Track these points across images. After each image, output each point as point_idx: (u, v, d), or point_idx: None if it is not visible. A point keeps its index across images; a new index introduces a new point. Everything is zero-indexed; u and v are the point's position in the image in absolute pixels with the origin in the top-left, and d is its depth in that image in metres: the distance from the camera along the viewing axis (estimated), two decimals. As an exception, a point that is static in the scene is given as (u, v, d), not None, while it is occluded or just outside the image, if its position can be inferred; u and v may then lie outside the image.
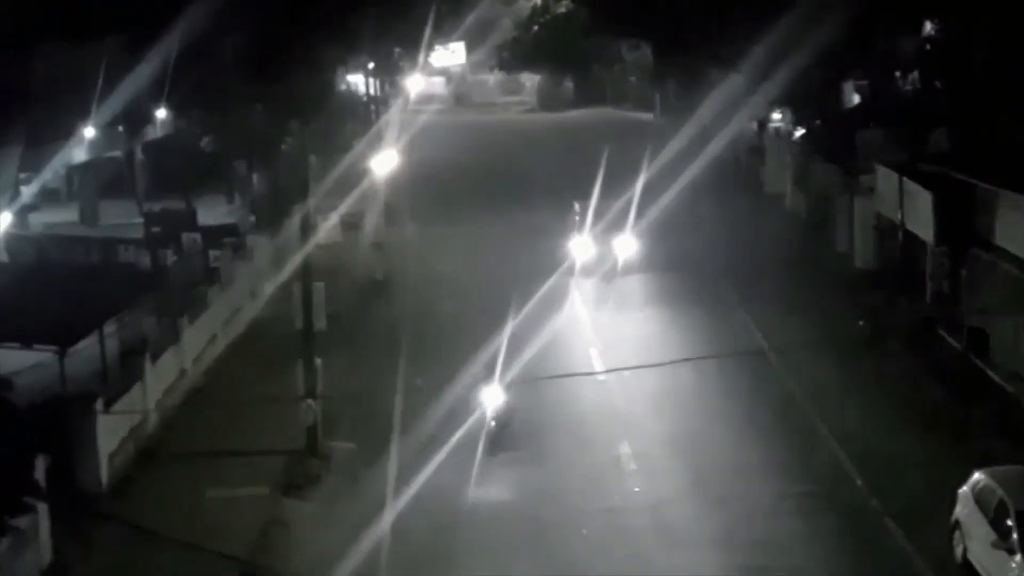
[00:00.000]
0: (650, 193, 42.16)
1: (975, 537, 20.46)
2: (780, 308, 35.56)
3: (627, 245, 40.61)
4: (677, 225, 42.45)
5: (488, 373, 27.31)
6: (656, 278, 40.16)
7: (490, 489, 24.95)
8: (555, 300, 36.76)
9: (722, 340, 33.10)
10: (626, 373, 29.56)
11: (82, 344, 27.71)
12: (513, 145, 73.20)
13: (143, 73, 45.97)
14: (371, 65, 78.84)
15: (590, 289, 39.30)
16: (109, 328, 29.59)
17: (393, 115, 70.05)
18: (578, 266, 40.44)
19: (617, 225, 40.72)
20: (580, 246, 41.07)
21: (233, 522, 23.71)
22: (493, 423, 26.79)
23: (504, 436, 26.86)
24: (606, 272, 40.18)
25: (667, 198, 42.68)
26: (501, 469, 25.85)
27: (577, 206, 42.97)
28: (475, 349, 29.60)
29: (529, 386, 28.08)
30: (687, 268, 40.48)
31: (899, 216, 35.65)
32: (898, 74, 43.77)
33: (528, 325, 32.32)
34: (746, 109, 52.10)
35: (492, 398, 26.89)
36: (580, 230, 41.55)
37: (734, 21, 46.41)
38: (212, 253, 39.57)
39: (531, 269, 40.14)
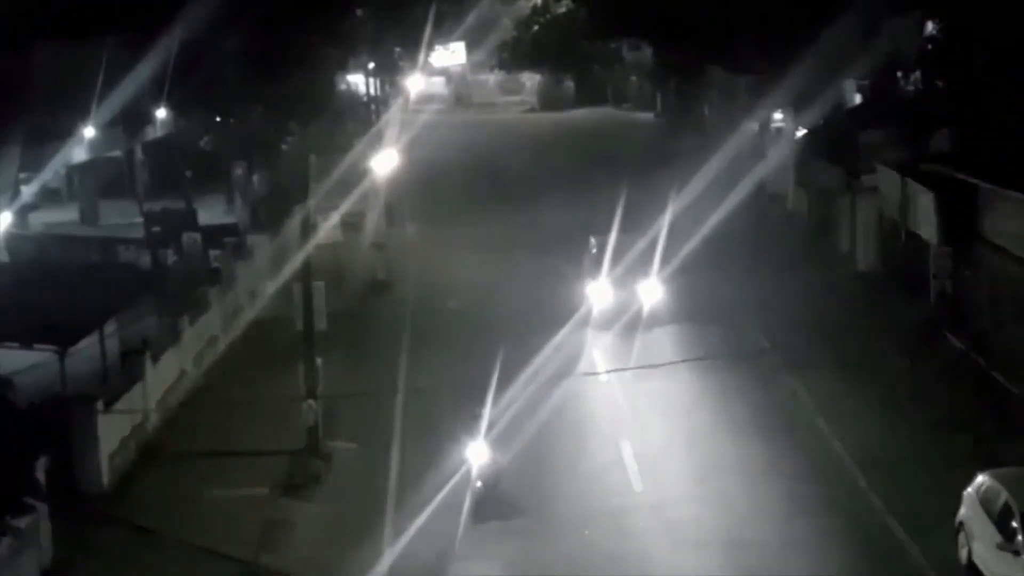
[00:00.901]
0: (677, 231, 36.82)
1: (980, 539, 20.35)
2: (787, 316, 35.21)
3: (653, 291, 34.74)
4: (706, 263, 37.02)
5: (474, 428, 24.42)
6: (684, 329, 34.55)
7: (475, 564, 22.06)
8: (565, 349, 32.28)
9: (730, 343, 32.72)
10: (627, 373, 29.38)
11: (82, 344, 27.62)
12: (513, 145, 73.01)
13: (143, 73, 46.06)
14: (371, 65, 78.84)
15: (610, 346, 33.37)
16: (109, 328, 29.49)
17: (393, 115, 70.11)
18: (595, 314, 34.63)
19: (640, 265, 34.86)
20: (597, 291, 35.13)
21: (233, 522, 23.64)
22: (479, 483, 23.80)
23: (493, 498, 23.77)
24: (628, 324, 34.13)
25: (696, 239, 37.06)
26: (490, 539, 22.90)
27: (593, 240, 37.37)
28: (476, 351, 29.37)
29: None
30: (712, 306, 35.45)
31: (901, 216, 35.56)
32: (900, 74, 43.72)
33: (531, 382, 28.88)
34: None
35: (478, 455, 23.99)
36: (597, 272, 35.68)
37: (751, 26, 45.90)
38: (212, 253, 39.51)
39: (532, 267, 40.05)
